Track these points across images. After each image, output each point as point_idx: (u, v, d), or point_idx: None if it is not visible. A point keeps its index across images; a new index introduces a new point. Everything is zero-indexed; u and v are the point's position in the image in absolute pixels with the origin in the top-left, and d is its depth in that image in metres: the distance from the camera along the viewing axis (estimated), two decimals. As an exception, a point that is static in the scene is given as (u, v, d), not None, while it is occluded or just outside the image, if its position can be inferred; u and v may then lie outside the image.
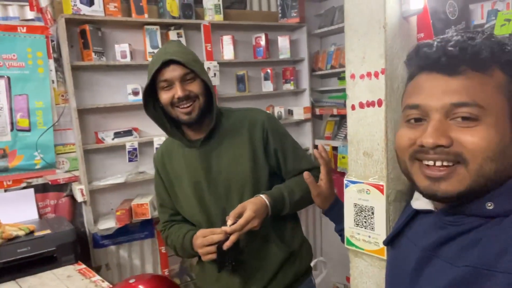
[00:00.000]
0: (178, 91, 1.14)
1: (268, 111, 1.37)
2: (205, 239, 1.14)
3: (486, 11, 1.97)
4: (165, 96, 1.17)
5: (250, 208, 1.12)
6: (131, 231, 2.44)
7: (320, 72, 3.07)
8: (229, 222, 1.11)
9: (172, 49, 1.17)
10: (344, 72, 2.88)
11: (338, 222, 1.05)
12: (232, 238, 1.10)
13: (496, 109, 0.57)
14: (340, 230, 1.06)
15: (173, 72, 1.14)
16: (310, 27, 3.04)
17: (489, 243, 0.55)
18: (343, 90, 2.99)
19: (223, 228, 1.12)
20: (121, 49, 2.34)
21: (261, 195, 1.19)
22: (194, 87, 1.17)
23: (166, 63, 1.13)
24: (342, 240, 1.07)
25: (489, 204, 0.59)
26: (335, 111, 2.87)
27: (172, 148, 1.33)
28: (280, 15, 2.95)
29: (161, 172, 1.34)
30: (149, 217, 2.31)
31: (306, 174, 1.01)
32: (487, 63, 0.58)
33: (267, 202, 1.18)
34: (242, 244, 1.21)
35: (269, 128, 1.28)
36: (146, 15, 2.38)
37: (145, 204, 2.29)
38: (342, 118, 3.02)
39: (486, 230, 0.58)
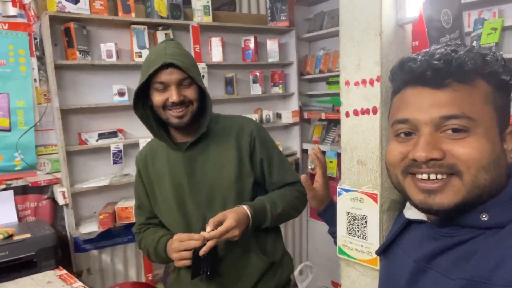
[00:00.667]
0: (173, 96, 1.11)
1: (256, 121, 1.35)
2: (181, 243, 1.11)
3: (473, 20, 2.00)
4: (158, 98, 1.14)
5: (231, 217, 1.09)
6: (114, 235, 2.38)
7: (308, 76, 3.07)
8: (208, 228, 1.08)
9: (172, 50, 1.13)
10: (332, 77, 2.89)
11: (332, 224, 1.04)
12: (209, 244, 1.07)
13: (485, 119, 0.58)
14: (333, 233, 1.04)
15: (170, 76, 1.11)
16: (299, 31, 3.04)
17: (485, 256, 0.55)
18: (331, 94, 3.03)
19: (202, 233, 1.08)
20: (107, 48, 2.29)
21: (243, 206, 1.16)
22: (190, 93, 1.15)
23: (165, 65, 1.10)
24: (335, 243, 1.05)
25: (484, 216, 0.58)
26: (323, 115, 2.88)
27: (156, 149, 1.29)
28: (269, 18, 2.94)
29: (143, 173, 1.31)
30: (133, 221, 2.25)
31: (303, 178, 0.98)
32: (472, 75, 0.58)
33: (249, 214, 1.14)
34: (221, 254, 1.19)
35: (257, 137, 1.26)
36: (133, 14, 2.33)
37: (130, 207, 2.24)
38: (330, 122, 3.03)
39: (481, 242, 0.57)
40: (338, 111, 2.74)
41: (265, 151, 1.27)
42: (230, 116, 1.32)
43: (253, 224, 1.15)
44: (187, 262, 1.11)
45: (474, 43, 1.96)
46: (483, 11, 2.02)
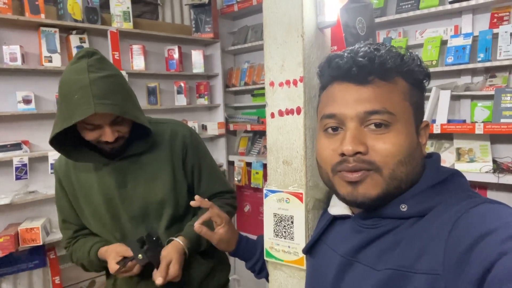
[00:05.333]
0: (108, 136, 1.01)
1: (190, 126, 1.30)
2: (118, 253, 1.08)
3: (382, 39, 2.19)
4: (89, 135, 1.03)
5: (176, 261, 1.08)
6: (17, 260, 2.09)
7: (234, 88, 3.09)
8: (160, 280, 1.04)
9: (100, 86, 0.97)
10: (257, 89, 2.95)
11: (248, 258, 1.02)
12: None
13: (403, 114, 0.61)
14: (252, 266, 1.02)
15: (103, 120, 1.00)
16: (224, 44, 3.06)
17: (408, 245, 0.57)
18: (257, 106, 3.08)
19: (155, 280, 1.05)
20: (11, 51, 2.05)
21: (179, 240, 1.13)
22: (123, 128, 1.06)
23: None
24: (256, 276, 1.03)
25: (403, 206, 0.61)
26: (248, 127, 2.90)
27: None
28: (193, 29, 2.91)
29: (64, 184, 1.18)
30: (40, 243, 2.01)
31: (197, 227, 0.93)
32: (392, 72, 0.62)
33: (185, 249, 1.13)
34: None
35: (190, 143, 1.21)
36: (42, 15, 2.13)
37: (36, 228, 1.99)
38: (256, 134, 3.07)
39: (404, 232, 0.59)
40: (263, 123, 2.79)
41: (196, 158, 1.22)
42: (161, 121, 1.24)
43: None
44: (126, 274, 1.08)
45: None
46: (390, 31, 2.23)
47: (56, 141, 1.05)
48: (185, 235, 1.15)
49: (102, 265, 1.16)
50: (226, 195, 1.28)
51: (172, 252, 1.09)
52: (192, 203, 0.92)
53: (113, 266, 1.07)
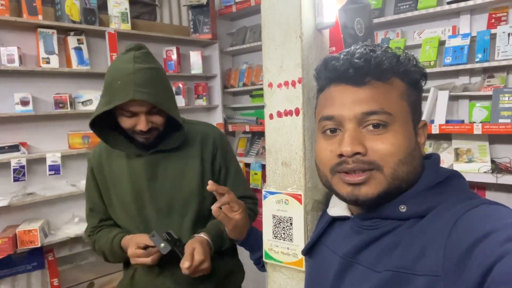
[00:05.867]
0: (142, 125, 1.07)
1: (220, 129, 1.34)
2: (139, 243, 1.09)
3: (380, 39, 2.20)
4: (126, 122, 1.10)
5: (200, 250, 1.08)
6: (15, 262, 2.09)
7: (232, 89, 3.09)
8: (186, 264, 1.04)
9: (142, 77, 1.04)
10: (255, 90, 2.95)
11: (256, 250, 1.03)
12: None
13: (401, 114, 0.62)
14: (257, 258, 1.03)
15: (140, 108, 1.06)
16: (222, 45, 3.06)
17: (408, 246, 0.57)
18: (255, 107, 3.07)
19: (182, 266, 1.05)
20: (8, 52, 2.05)
21: (201, 235, 1.15)
22: (158, 119, 1.11)
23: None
24: (260, 268, 1.03)
25: (402, 207, 0.61)
26: (247, 128, 2.90)
27: (113, 150, 1.21)
28: (191, 30, 2.91)
29: (97, 174, 1.23)
30: (39, 245, 2.00)
31: (215, 210, 0.92)
32: (388, 73, 0.62)
33: (209, 241, 1.14)
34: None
35: (219, 145, 1.27)
36: (40, 17, 2.13)
37: (34, 230, 1.98)
38: (254, 135, 3.07)
39: (403, 233, 0.59)
40: (262, 123, 2.78)
41: (224, 161, 1.27)
42: (194, 122, 1.30)
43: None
44: (143, 260, 1.08)
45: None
46: (388, 31, 2.23)
47: (97, 127, 1.12)
48: (207, 231, 1.17)
49: (123, 256, 1.18)
50: (247, 200, 1.30)
51: (195, 242, 1.11)
52: (208, 187, 0.92)
53: (132, 250, 1.09)
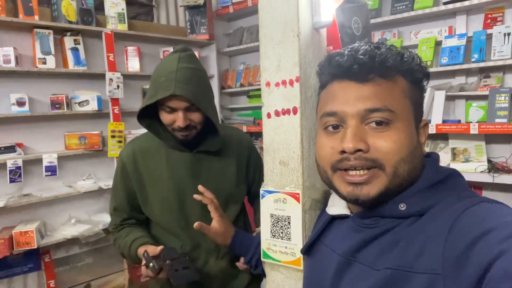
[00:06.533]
0: (180, 121, 1.11)
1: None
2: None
3: (377, 40, 2.20)
4: (166, 118, 1.14)
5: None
6: (11, 264, 2.07)
7: (229, 90, 3.09)
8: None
9: (184, 75, 1.10)
10: (252, 90, 2.95)
11: (245, 253, 1.04)
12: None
13: (404, 112, 0.61)
14: (248, 261, 1.04)
15: (179, 103, 1.11)
16: (219, 45, 3.06)
17: (407, 244, 0.56)
18: (252, 108, 3.07)
19: (200, 187, 1.09)
20: (4, 52, 2.04)
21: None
22: (196, 117, 1.15)
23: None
24: (254, 270, 1.04)
25: (402, 206, 0.61)
26: (244, 129, 2.90)
27: (149, 147, 1.24)
28: (188, 31, 2.90)
29: (130, 170, 1.23)
30: (35, 247, 1.99)
31: (197, 225, 1.00)
32: (392, 70, 0.62)
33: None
34: (206, 265, 1.21)
35: (253, 149, 1.35)
36: (36, 17, 2.12)
37: (30, 231, 1.97)
38: (252, 135, 3.06)
39: (403, 231, 0.59)
40: (259, 124, 2.78)
41: (257, 162, 1.35)
42: (227, 127, 1.38)
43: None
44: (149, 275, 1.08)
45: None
46: (385, 32, 2.24)
47: (144, 123, 1.19)
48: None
49: (139, 261, 1.19)
50: None
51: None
52: (199, 187, 1.06)
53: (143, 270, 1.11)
